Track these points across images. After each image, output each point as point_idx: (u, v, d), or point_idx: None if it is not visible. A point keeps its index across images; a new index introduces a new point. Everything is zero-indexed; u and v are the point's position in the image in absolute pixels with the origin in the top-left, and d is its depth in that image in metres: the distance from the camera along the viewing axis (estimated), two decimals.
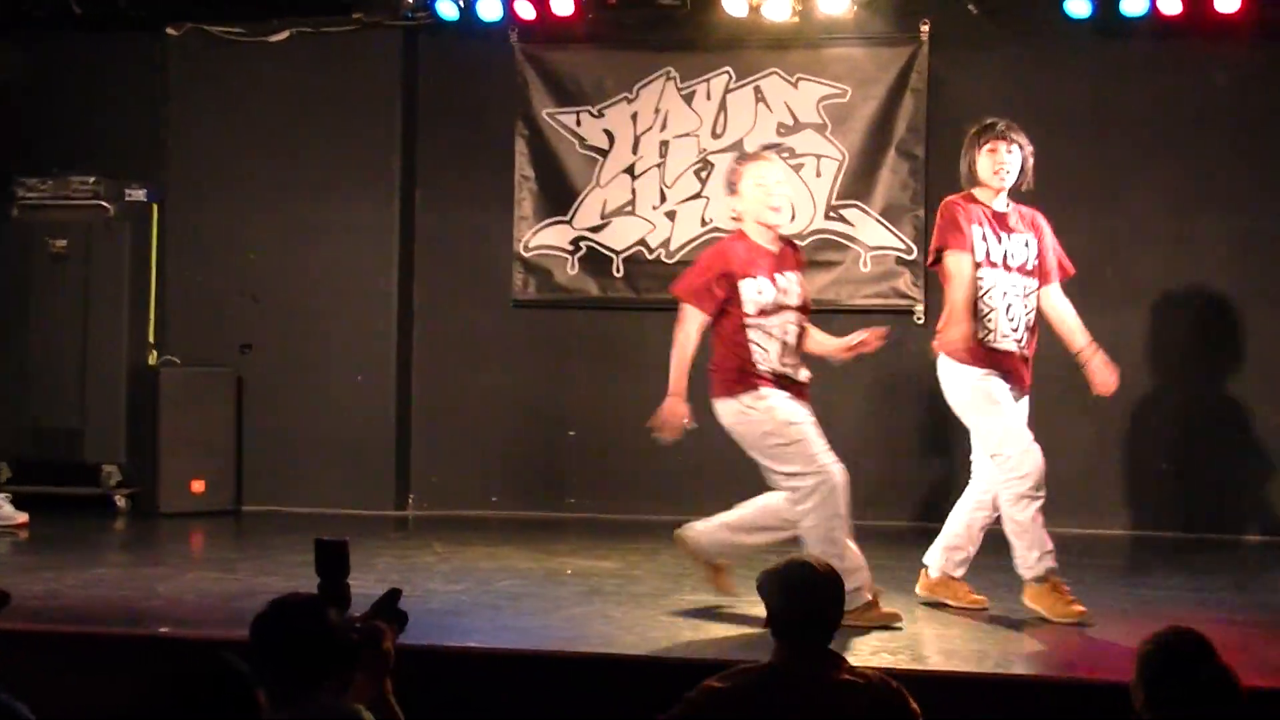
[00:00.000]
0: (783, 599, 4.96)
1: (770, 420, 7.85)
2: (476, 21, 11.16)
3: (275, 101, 11.64)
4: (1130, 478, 10.78)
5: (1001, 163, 7.95)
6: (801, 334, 8.03)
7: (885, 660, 6.71)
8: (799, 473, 7.81)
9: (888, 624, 7.51)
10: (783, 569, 5.05)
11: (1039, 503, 7.87)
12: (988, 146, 7.98)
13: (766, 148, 8.62)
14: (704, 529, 8.21)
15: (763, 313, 7.83)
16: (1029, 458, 7.93)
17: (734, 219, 8.03)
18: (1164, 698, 4.38)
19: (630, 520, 10.95)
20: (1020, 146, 8.00)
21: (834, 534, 7.68)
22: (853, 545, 7.73)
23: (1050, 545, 7.85)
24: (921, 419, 11.01)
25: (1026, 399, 8.20)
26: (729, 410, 7.94)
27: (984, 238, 7.92)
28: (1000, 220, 7.96)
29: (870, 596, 7.59)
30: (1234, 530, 10.59)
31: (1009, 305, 7.94)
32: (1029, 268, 7.98)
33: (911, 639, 7.35)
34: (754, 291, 7.80)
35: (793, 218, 11.00)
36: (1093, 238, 10.83)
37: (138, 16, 11.49)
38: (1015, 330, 7.97)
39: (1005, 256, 7.92)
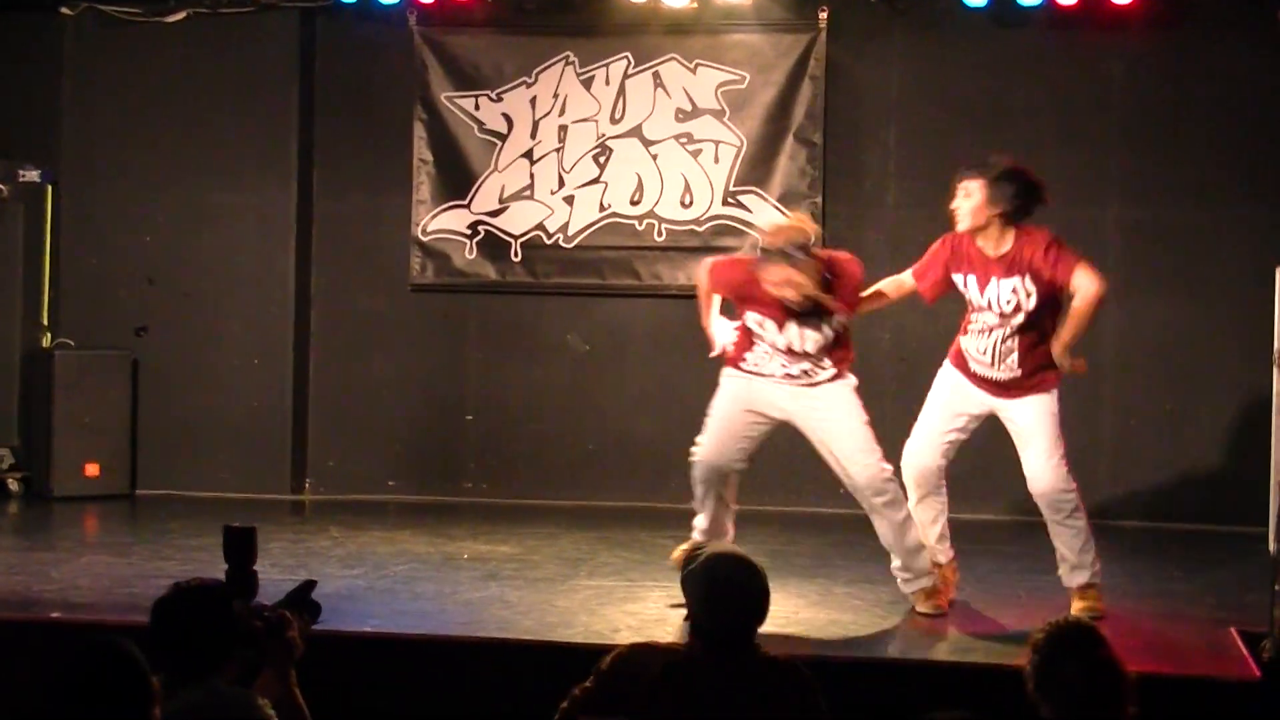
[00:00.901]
0: (705, 600, 4.88)
1: None
2: (375, 4, 11.14)
3: (172, 83, 11.56)
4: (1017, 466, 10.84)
5: (954, 209, 7.94)
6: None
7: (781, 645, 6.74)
8: None
9: None
10: (706, 568, 4.93)
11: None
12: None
13: None
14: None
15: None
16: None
17: None
18: (1053, 684, 4.46)
19: (527, 505, 10.97)
20: (971, 186, 7.88)
21: None
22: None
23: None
24: None
25: (1012, 403, 8.07)
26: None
27: (964, 283, 7.95)
28: (986, 265, 7.87)
29: None
30: (1115, 517, 10.66)
31: (988, 341, 7.93)
32: (1009, 310, 7.85)
33: (807, 623, 7.38)
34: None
35: (691, 203, 11.11)
36: None
37: None
38: (988, 362, 7.98)
39: (989, 302, 7.87)
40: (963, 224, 7.90)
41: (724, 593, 4.88)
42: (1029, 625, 4.69)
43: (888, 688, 6.60)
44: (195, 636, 4.59)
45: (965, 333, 8.03)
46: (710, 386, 11.10)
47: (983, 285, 7.84)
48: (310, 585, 5.24)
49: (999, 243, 7.83)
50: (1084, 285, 7.64)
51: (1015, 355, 7.88)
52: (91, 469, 11.13)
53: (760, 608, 4.93)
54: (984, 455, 10.83)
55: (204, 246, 11.50)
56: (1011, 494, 10.71)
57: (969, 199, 7.88)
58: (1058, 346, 7.74)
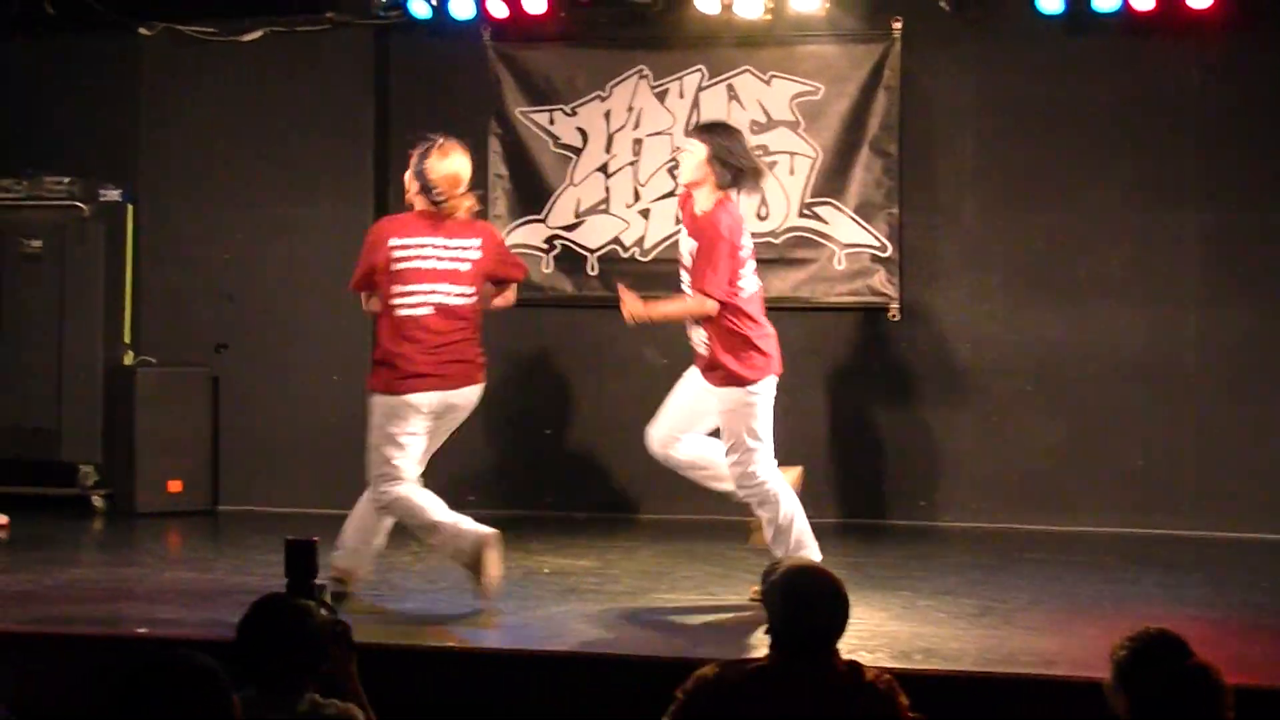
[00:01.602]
0: (785, 612, 4.91)
1: None
2: (449, 20, 11.15)
3: (248, 101, 11.62)
4: (1103, 475, 10.80)
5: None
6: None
7: (864, 659, 6.71)
8: None
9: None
10: (785, 580, 4.97)
11: None
12: None
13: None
14: None
15: None
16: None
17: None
18: (1141, 696, 4.41)
19: (606, 518, 10.97)
20: (693, 144, 8.33)
21: None
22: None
23: None
24: (901, 415, 11.04)
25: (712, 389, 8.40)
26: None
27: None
28: (689, 223, 8.38)
29: None
30: (1209, 528, 10.58)
31: None
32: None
33: (890, 637, 7.36)
34: None
35: (767, 216, 11.08)
36: (1062, 233, 10.89)
37: (111, 17, 11.47)
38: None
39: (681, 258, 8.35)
40: (682, 178, 8.42)
41: (803, 601, 4.91)
42: (1113, 638, 4.65)
43: (971, 701, 6.57)
44: (288, 648, 4.61)
45: None
46: (788, 396, 11.12)
47: (683, 242, 8.36)
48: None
49: (701, 205, 8.28)
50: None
51: (700, 331, 8.29)
52: (174, 485, 11.20)
53: (840, 615, 4.95)
54: (1070, 466, 10.84)
55: (281, 262, 11.56)
56: (1094, 504, 10.70)
57: (690, 156, 8.30)
58: (651, 305, 8.35)
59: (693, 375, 8.48)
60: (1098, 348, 10.83)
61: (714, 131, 8.40)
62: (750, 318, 8.31)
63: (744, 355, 8.22)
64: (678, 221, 11.11)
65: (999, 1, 10.80)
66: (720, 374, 8.25)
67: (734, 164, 8.24)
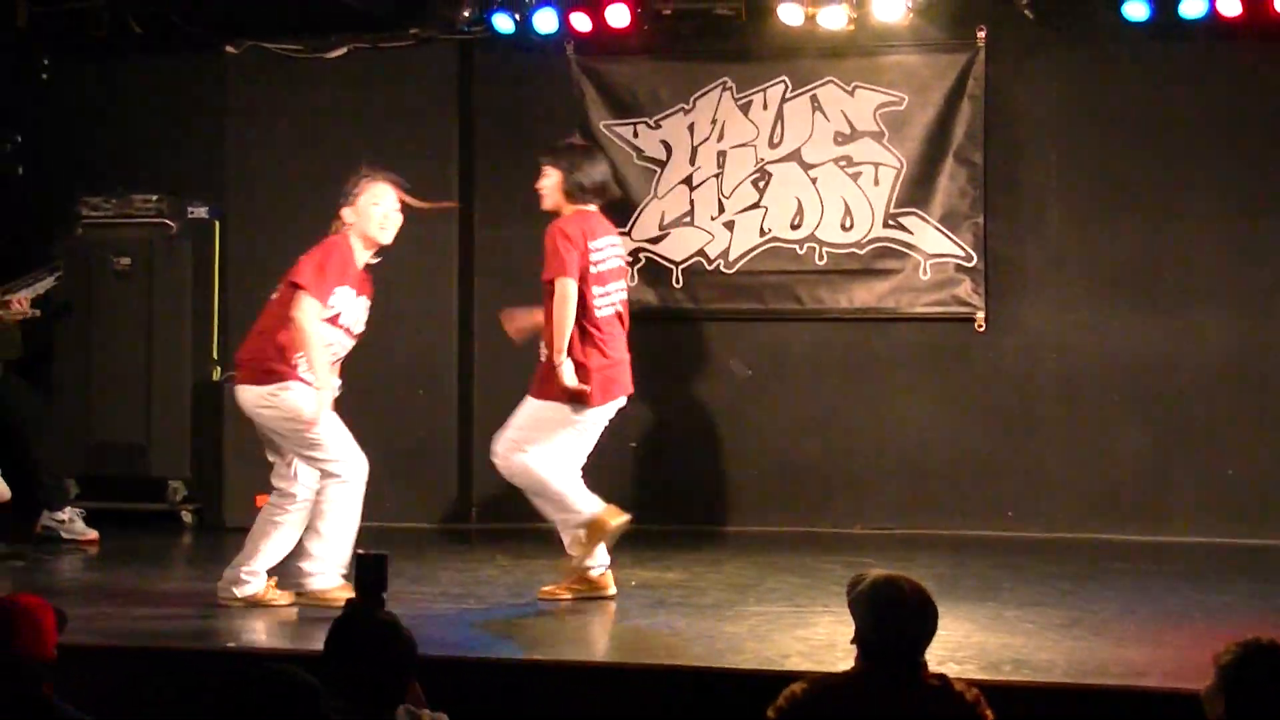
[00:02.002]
0: (872, 621, 4.91)
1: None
2: (532, 34, 11.18)
3: (333, 117, 11.68)
4: (1195, 483, 10.72)
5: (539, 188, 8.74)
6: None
7: (952, 670, 6.69)
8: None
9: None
10: (871, 590, 4.97)
11: None
12: None
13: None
14: None
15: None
16: None
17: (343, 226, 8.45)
18: (1247, 707, 4.37)
19: (692, 530, 10.96)
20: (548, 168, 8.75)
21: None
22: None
23: None
24: (987, 426, 10.99)
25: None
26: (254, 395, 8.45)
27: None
28: None
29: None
30: None
31: None
32: None
33: (978, 648, 7.32)
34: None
35: (851, 226, 11.05)
36: (1152, 242, 10.82)
37: (197, 35, 11.57)
38: None
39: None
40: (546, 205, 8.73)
41: (892, 608, 4.92)
42: (1204, 649, 4.61)
43: (1061, 713, 6.53)
44: (378, 661, 4.63)
45: None
46: (873, 408, 11.11)
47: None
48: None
49: None
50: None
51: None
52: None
53: (929, 622, 4.95)
54: (1158, 476, 10.77)
55: None
56: (1183, 515, 10.62)
57: (547, 179, 8.72)
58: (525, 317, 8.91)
59: None
60: (1186, 356, 10.76)
61: (562, 154, 8.78)
62: (596, 345, 8.57)
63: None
64: (762, 234, 11.18)
65: (1084, 9, 10.74)
66: (548, 388, 8.57)
67: (586, 183, 8.68)
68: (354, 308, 8.32)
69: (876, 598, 4.94)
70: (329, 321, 8.21)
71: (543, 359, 8.63)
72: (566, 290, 8.49)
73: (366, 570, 5.14)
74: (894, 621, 4.90)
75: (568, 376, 8.43)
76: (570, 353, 8.47)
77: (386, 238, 8.43)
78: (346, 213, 8.40)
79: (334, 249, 8.29)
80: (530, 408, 8.70)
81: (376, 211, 8.36)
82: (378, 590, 5.05)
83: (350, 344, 8.44)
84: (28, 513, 10.56)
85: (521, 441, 8.67)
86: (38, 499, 10.61)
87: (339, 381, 8.50)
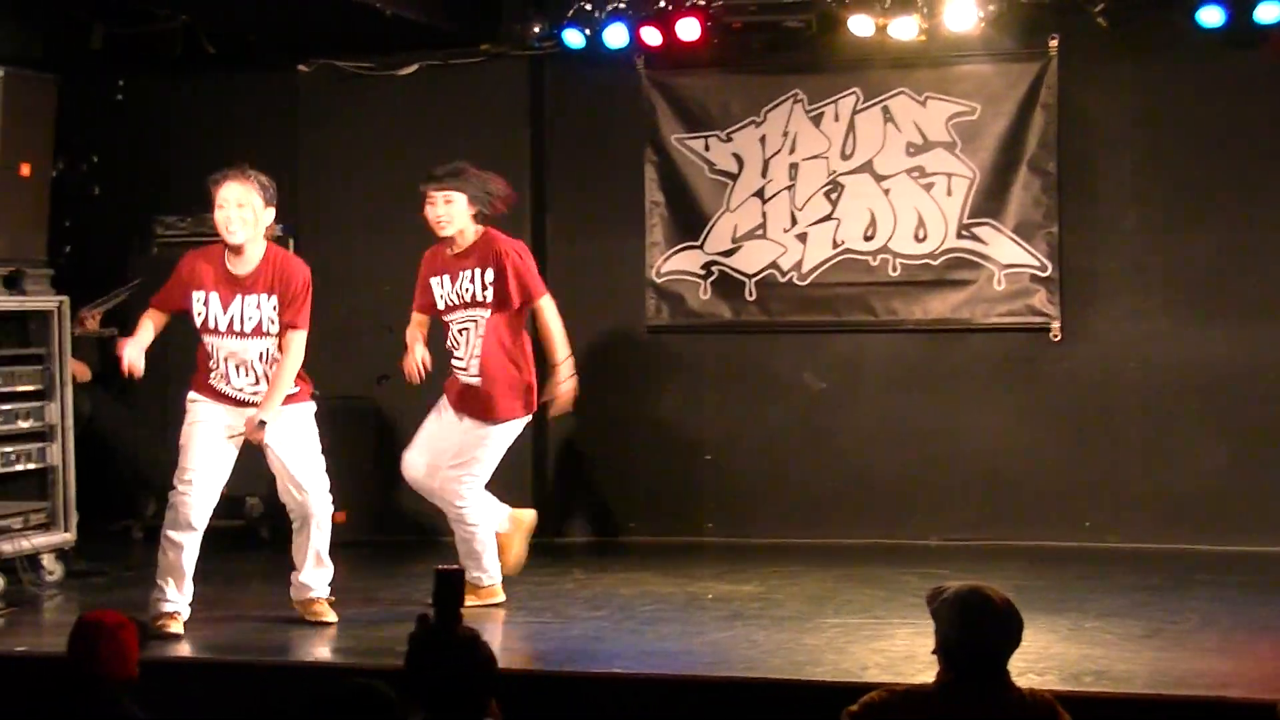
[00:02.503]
0: (959, 628, 4.89)
1: None
2: (603, 49, 11.18)
3: (405, 134, 11.72)
4: (1275, 492, 10.63)
5: (438, 216, 8.93)
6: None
7: (1032, 681, 6.66)
8: None
9: None
10: (958, 598, 4.95)
11: None
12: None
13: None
14: None
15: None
16: None
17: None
18: None
19: (769, 544, 10.94)
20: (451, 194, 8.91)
21: None
22: None
23: None
24: (1064, 436, 10.94)
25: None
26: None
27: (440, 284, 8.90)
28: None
29: None
30: None
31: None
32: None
33: (1058, 659, 7.29)
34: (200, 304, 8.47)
35: (925, 237, 11.01)
36: (1228, 249, 10.74)
37: (270, 54, 11.65)
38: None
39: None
40: (452, 229, 8.89)
41: (980, 616, 4.90)
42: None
43: None
44: (459, 675, 4.63)
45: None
46: (948, 419, 11.07)
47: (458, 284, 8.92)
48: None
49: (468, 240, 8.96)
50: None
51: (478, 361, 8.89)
52: (338, 516, 11.25)
53: (1015, 631, 4.93)
54: (1237, 486, 10.68)
55: None
56: (1263, 525, 10.53)
57: (454, 206, 8.89)
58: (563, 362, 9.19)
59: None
60: (1264, 365, 10.67)
61: (460, 176, 8.93)
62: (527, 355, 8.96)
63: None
64: (835, 246, 11.16)
65: (1158, 16, 10.66)
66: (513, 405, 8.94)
67: (490, 195, 8.96)
68: (221, 309, 8.45)
69: (964, 605, 4.93)
70: (201, 328, 8.52)
71: (480, 382, 8.87)
72: (550, 303, 9.01)
73: (443, 585, 5.13)
74: (981, 629, 4.88)
75: (571, 385, 8.91)
76: (528, 367, 8.92)
77: (230, 238, 8.50)
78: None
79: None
80: (488, 434, 8.95)
81: (219, 215, 8.45)
82: (454, 605, 5.04)
83: (238, 343, 8.51)
84: (109, 529, 10.65)
85: (479, 476, 9.02)
86: (138, 507, 10.71)
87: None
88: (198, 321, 8.47)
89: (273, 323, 8.44)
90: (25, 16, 10.84)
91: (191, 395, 8.60)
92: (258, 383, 8.51)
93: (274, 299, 8.43)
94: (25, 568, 9.45)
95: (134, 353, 8.35)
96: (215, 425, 8.49)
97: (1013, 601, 4.97)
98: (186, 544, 8.40)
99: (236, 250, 8.47)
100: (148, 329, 8.55)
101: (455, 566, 5.27)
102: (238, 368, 8.49)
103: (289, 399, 8.50)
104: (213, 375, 8.50)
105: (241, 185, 8.42)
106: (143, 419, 11.43)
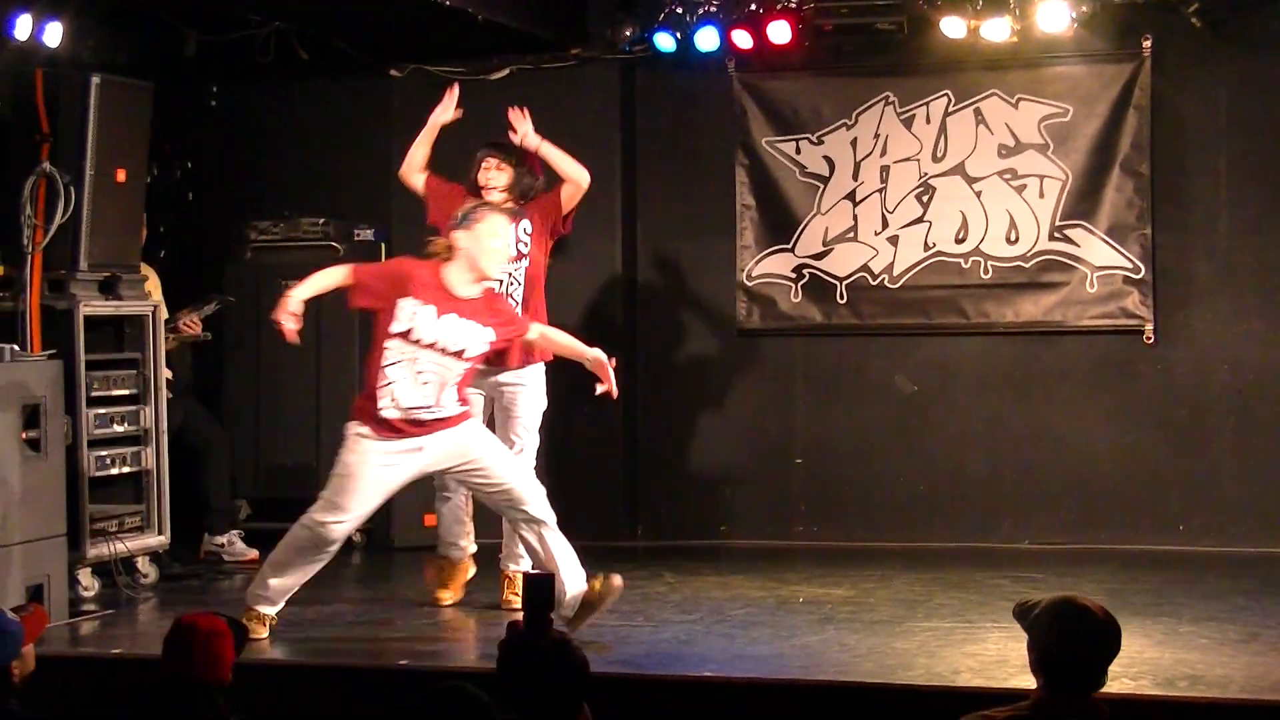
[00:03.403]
0: (1059, 643, 4.82)
1: None
2: (694, 52, 11.19)
3: (497, 138, 11.74)
4: None
5: (488, 179, 9.19)
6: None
7: (1126, 686, 6.62)
8: None
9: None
10: (1054, 608, 4.88)
11: None
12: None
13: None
14: None
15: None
16: None
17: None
18: None
19: (860, 547, 10.92)
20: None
21: None
22: None
23: None
24: (1158, 439, 10.87)
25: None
26: None
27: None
28: None
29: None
30: None
31: None
32: None
33: (1152, 664, 7.23)
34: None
35: (1017, 239, 10.97)
36: None
37: (362, 60, 11.71)
38: None
39: None
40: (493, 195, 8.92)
41: (1079, 628, 4.83)
42: None
43: None
44: (551, 679, 4.63)
45: None
46: (1040, 422, 11.01)
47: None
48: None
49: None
50: None
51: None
52: (430, 519, 11.31)
53: (1116, 640, 4.87)
54: None
55: None
56: None
57: (502, 174, 9.16)
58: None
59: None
60: None
61: (514, 152, 9.29)
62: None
63: None
64: (926, 248, 11.13)
65: (1252, 17, 10.59)
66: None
67: (528, 189, 9.29)
68: (438, 325, 8.03)
69: (1062, 617, 4.85)
70: (399, 336, 8.05)
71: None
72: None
73: (533, 590, 5.15)
74: (1083, 640, 4.80)
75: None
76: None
77: (496, 273, 8.32)
78: (459, 237, 8.17)
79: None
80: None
81: (496, 244, 8.17)
82: (544, 610, 5.05)
83: (447, 361, 8.09)
84: (198, 536, 10.73)
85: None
86: (203, 524, 10.78)
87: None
88: (401, 328, 8.10)
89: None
90: (120, 25, 10.96)
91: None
92: None
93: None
94: (120, 570, 9.53)
95: None
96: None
97: (1108, 609, 4.92)
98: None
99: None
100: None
101: (545, 572, 5.29)
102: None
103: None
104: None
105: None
106: (236, 426, 11.51)
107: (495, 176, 9.12)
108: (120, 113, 9.59)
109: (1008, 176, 11.02)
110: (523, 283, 9.07)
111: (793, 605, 8.98)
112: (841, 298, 11.32)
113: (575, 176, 9.24)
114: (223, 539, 10.77)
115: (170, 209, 11.79)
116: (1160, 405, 10.92)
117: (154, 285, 10.44)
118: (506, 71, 11.69)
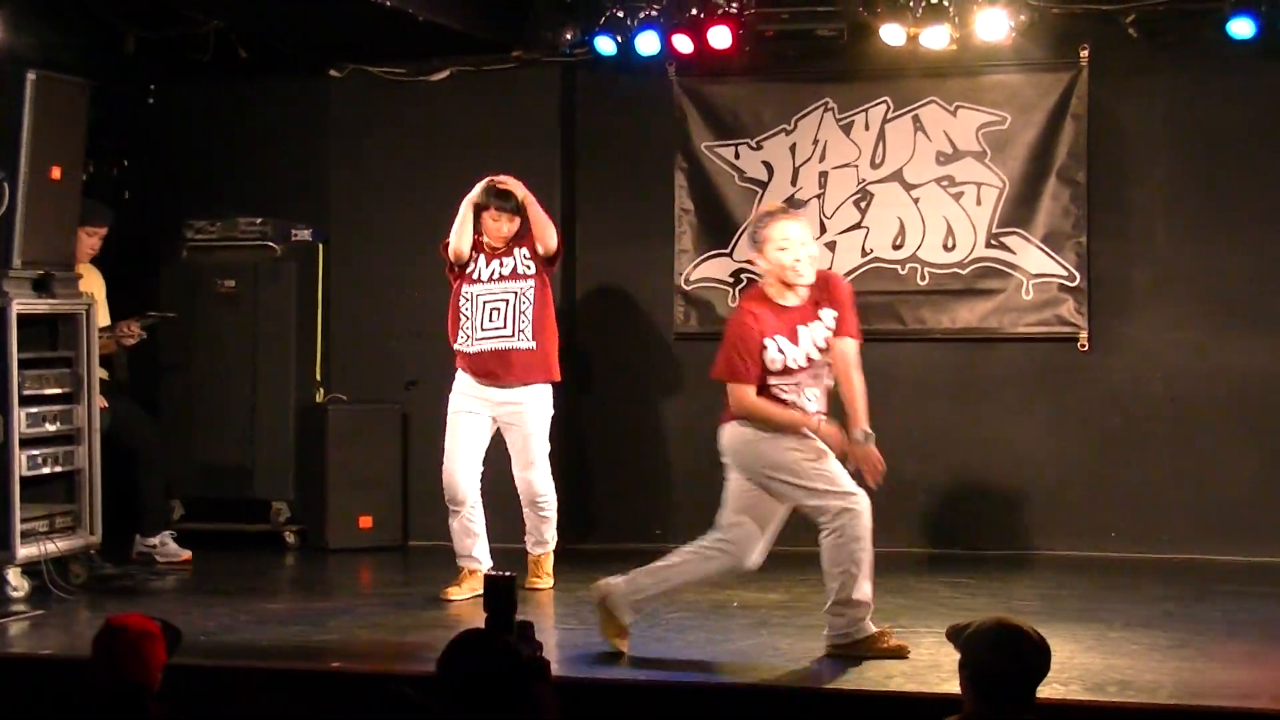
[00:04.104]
0: (995, 662, 4.87)
1: None
2: (634, 56, 11.18)
3: (436, 139, 11.74)
4: None
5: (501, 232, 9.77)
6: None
7: (1057, 691, 6.65)
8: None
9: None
10: (991, 632, 4.93)
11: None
12: None
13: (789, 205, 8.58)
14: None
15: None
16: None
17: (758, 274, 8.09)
18: None
19: (796, 552, 10.85)
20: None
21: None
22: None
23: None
24: (1091, 446, 10.92)
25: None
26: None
27: None
28: None
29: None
30: None
31: None
32: None
33: (1082, 669, 7.27)
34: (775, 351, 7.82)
35: (954, 246, 11.00)
36: (1258, 261, 10.71)
37: (301, 60, 11.67)
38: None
39: None
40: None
41: (1016, 649, 4.88)
42: None
43: None
44: (491, 683, 4.62)
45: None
46: (976, 428, 11.05)
47: None
48: (528, 626, 5.28)
49: None
50: None
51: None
52: (365, 521, 11.32)
53: (1048, 661, 4.90)
54: (1264, 497, 10.65)
55: None
56: None
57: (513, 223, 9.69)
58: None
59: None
60: None
61: (515, 201, 9.76)
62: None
63: None
64: (864, 254, 11.15)
65: (1189, 27, 10.64)
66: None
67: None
68: (794, 349, 7.87)
69: (999, 639, 4.91)
70: (779, 374, 7.87)
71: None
72: None
73: (494, 592, 5.13)
74: (1019, 660, 4.87)
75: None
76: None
77: (796, 277, 7.88)
78: (759, 261, 7.97)
79: (730, 329, 8.00)
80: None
81: (786, 256, 7.85)
82: (507, 612, 5.05)
83: (814, 370, 7.97)
84: (131, 536, 10.68)
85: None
86: (136, 524, 10.72)
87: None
88: (776, 368, 7.88)
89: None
90: (59, 22, 10.88)
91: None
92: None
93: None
94: (51, 570, 9.47)
95: None
96: None
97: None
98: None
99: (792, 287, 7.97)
100: None
101: (507, 573, 5.27)
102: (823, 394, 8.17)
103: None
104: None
105: (800, 224, 8.02)
106: (170, 425, 11.46)
107: (505, 227, 9.65)
108: (56, 110, 9.52)
109: (945, 184, 11.06)
110: (533, 301, 9.56)
111: (727, 609, 8.99)
112: None
113: (543, 238, 9.64)
114: (155, 539, 10.72)
115: (107, 207, 11.73)
116: (1094, 412, 10.97)
117: (97, 286, 10.40)
118: (447, 73, 11.68)
